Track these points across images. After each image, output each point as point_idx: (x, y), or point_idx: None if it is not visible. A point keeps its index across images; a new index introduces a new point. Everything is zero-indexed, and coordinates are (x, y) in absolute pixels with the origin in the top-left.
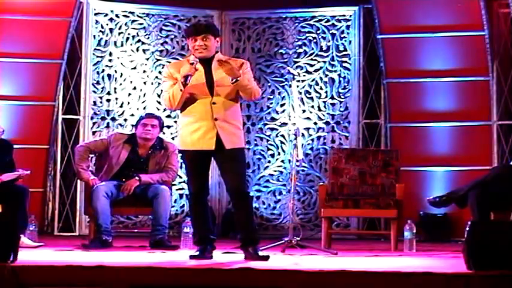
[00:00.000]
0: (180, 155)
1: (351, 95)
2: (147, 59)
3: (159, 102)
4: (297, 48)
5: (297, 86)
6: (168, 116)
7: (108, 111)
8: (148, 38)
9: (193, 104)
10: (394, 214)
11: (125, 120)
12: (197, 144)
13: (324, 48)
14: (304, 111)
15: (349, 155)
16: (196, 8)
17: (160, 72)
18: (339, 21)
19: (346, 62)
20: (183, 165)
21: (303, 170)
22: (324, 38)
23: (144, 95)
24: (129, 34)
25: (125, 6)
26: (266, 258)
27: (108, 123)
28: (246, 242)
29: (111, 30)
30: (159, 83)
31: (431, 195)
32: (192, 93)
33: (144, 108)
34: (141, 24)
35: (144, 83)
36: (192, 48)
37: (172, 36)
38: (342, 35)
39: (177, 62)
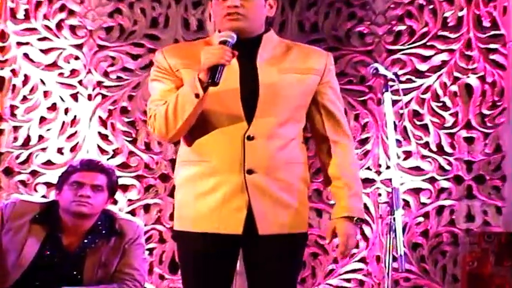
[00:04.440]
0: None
1: (509, 118)
2: (80, 46)
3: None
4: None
5: (393, 102)
6: None
7: None
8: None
9: (208, 136)
10: None
11: (33, 173)
12: (210, 221)
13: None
14: (408, 153)
15: (504, 246)
16: None
17: (107, 75)
18: None
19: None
20: (175, 265)
21: (407, 279)
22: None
23: (75, 117)
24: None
25: None
26: None
27: None
28: None
29: None
30: (103, 95)
31: None
32: (211, 111)
33: (75, 147)
34: None
35: (74, 96)
36: (220, 13)
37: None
38: None
39: (180, 45)
